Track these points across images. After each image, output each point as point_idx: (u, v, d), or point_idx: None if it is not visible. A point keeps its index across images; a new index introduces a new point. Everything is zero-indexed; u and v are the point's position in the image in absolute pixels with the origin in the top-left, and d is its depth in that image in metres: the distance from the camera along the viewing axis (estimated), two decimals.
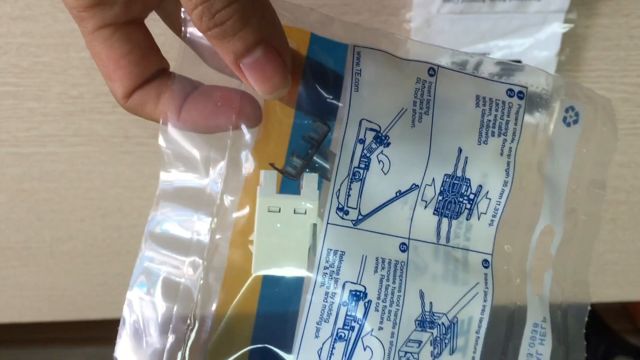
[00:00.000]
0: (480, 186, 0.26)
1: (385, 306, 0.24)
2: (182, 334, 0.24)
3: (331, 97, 0.25)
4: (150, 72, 0.25)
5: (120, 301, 0.58)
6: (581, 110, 0.27)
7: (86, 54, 0.46)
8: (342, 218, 0.24)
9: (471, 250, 0.26)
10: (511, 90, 0.28)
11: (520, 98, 0.28)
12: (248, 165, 0.25)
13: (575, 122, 0.28)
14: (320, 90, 0.25)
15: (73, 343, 1.59)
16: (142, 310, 0.25)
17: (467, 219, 0.26)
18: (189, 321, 0.24)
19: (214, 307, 0.24)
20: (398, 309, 0.24)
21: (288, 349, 0.24)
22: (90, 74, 0.47)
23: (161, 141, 0.25)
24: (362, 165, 0.25)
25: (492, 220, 0.26)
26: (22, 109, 0.48)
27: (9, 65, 0.46)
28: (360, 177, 0.25)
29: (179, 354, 0.24)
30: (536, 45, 0.47)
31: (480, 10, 0.45)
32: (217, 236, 0.25)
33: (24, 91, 0.47)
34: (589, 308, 0.27)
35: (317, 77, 0.25)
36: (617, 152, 0.52)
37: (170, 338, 0.24)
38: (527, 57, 0.47)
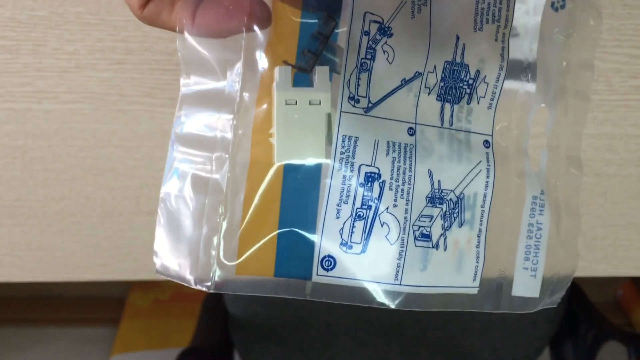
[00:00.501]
0: (478, 71, 0.28)
1: (398, 185, 0.26)
2: (215, 223, 0.26)
3: None
4: None
5: (111, 263, 0.58)
6: None
7: (82, 8, 0.47)
8: (354, 106, 0.26)
9: (473, 132, 0.28)
10: None
11: None
12: (262, 63, 0.26)
13: (563, 7, 0.30)
14: None
15: (68, 323, 1.59)
16: (175, 206, 0.26)
17: (467, 103, 0.28)
18: (220, 210, 0.26)
19: (242, 197, 0.26)
20: (410, 188, 0.26)
21: (312, 230, 0.26)
22: (86, 30, 0.47)
23: (179, 47, 0.26)
24: (369, 56, 0.26)
25: (490, 104, 0.28)
26: (18, 64, 0.48)
27: (4, 19, 0.47)
28: (368, 67, 0.26)
29: (214, 241, 0.26)
30: (529, 10, 0.47)
31: None
32: (240, 131, 0.26)
33: (19, 45, 0.48)
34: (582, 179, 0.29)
35: None
36: (608, 124, 0.52)
37: (205, 228, 0.26)
38: (519, 23, 0.47)
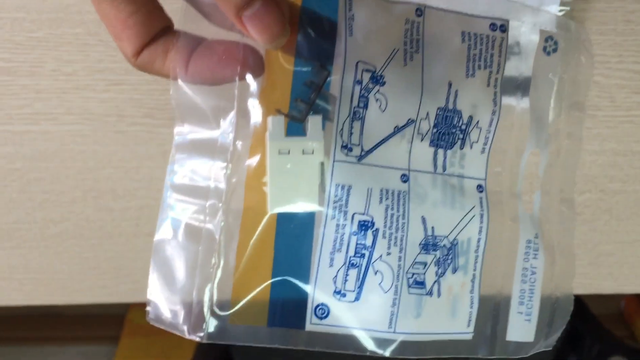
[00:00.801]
0: (471, 117, 0.28)
1: (392, 233, 0.26)
2: (208, 272, 0.26)
3: (328, 43, 0.26)
4: (156, 30, 0.26)
5: (111, 286, 0.57)
6: (559, 40, 0.30)
7: (80, 29, 0.46)
8: (347, 155, 0.26)
9: (466, 177, 0.28)
10: (493, 24, 0.30)
11: (503, 31, 0.31)
12: (256, 112, 0.26)
13: (555, 50, 0.31)
14: (317, 37, 0.26)
15: (67, 341, 1.58)
16: (169, 254, 0.27)
17: (460, 148, 0.28)
18: (213, 260, 0.26)
19: (235, 246, 0.26)
20: (403, 235, 0.26)
21: (306, 279, 0.26)
22: (85, 51, 0.47)
23: (172, 95, 0.26)
24: (362, 105, 0.27)
25: (483, 148, 0.29)
26: (15, 86, 0.48)
27: (2, 41, 0.46)
28: (361, 115, 0.27)
29: (207, 291, 0.26)
30: (532, 28, 0.46)
31: None
32: (233, 180, 0.26)
33: (17, 67, 0.47)
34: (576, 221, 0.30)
35: (313, 24, 0.26)
36: (613, 140, 0.52)
37: (198, 277, 0.26)
38: (523, 40, 0.47)
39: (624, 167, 0.54)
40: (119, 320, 1.56)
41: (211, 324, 0.26)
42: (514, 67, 0.30)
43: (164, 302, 0.27)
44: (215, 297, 0.26)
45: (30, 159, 0.51)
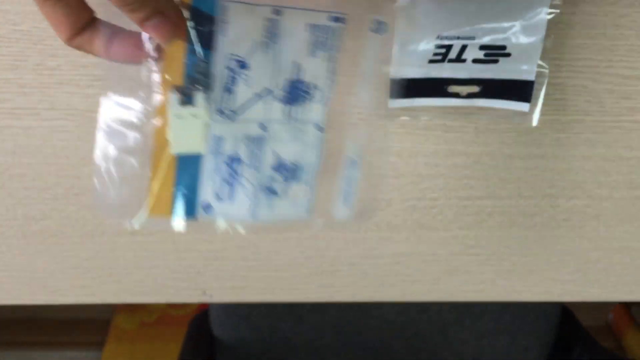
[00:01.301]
0: (314, 84, 0.40)
1: (252, 162, 0.41)
2: (137, 184, 0.40)
3: (208, 40, 0.38)
4: (84, 22, 0.34)
5: (92, 285, 0.56)
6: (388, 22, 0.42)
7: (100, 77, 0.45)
8: (221, 116, 0.40)
9: (309, 122, 0.41)
10: (331, 16, 0.40)
11: (338, 22, 0.40)
12: (159, 87, 0.38)
13: (384, 30, 0.42)
14: (200, 36, 0.38)
15: (51, 346, 1.56)
16: (106, 170, 0.40)
17: (306, 104, 0.41)
18: (136, 178, 0.40)
19: (149, 170, 0.40)
20: (260, 163, 0.41)
21: (196, 189, 0.41)
22: None
23: (101, 69, 0.41)
24: (231, 82, 0.39)
25: (323, 102, 0.41)
26: None
27: None
28: (231, 90, 0.39)
29: (133, 196, 0.40)
30: (521, 30, 0.46)
31: None
32: (147, 129, 0.39)
33: (0, 60, 0.46)
34: None
35: (198, 26, 0.38)
36: (601, 146, 0.52)
37: (129, 187, 0.40)
38: (512, 42, 0.46)
39: (612, 173, 0.53)
40: (104, 326, 1.55)
41: (140, 216, 0.40)
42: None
43: (106, 199, 0.40)
44: (139, 201, 0.40)
45: (11, 155, 0.50)
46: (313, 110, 0.41)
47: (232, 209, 0.41)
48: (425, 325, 0.94)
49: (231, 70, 0.39)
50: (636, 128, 0.51)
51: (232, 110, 0.40)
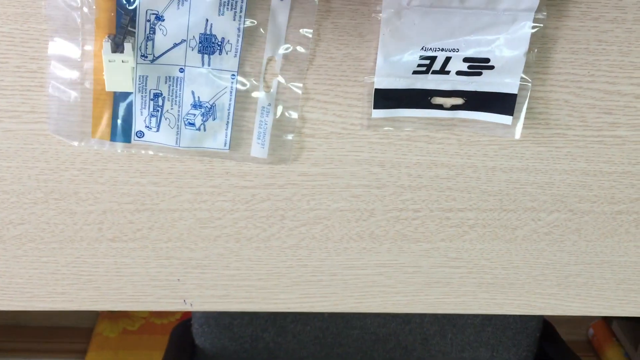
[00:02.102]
0: (223, 38, 0.47)
1: (173, 98, 0.48)
2: (82, 116, 0.49)
3: None
4: None
5: (71, 292, 0.56)
6: None
7: (46, 25, 0.45)
8: (144, 60, 0.47)
9: (223, 70, 0.48)
10: None
11: None
12: (95, 35, 0.46)
13: None
14: None
15: (33, 353, 1.54)
16: (58, 99, 0.47)
17: (219, 54, 0.47)
18: (82, 109, 0.48)
19: (91, 104, 0.48)
20: (180, 100, 0.48)
21: (130, 121, 0.48)
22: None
23: (47, 14, 0.45)
24: (151, 32, 0.46)
25: (235, 54, 0.47)
26: None
27: None
28: (152, 38, 0.46)
29: (83, 124, 0.49)
30: (505, 43, 0.46)
31: (451, 5, 0.45)
32: (86, 68, 0.47)
33: None
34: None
35: None
36: (582, 160, 0.52)
37: (77, 116, 0.48)
38: (496, 56, 0.47)
39: (594, 187, 0.54)
40: (86, 333, 1.53)
41: (91, 139, 0.49)
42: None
43: (57, 123, 0.48)
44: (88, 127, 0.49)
45: None
46: (225, 60, 0.47)
47: (159, 137, 0.49)
48: (407, 336, 0.93)
49: (150, 22, 0.46)
50: (617, 143, 0.51)
51: (153, 55, 0.46)
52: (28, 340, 1.56)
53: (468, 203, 0.54)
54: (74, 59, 0.46)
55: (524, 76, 0.48)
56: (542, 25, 0.46)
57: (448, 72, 0.48)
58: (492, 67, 0.47)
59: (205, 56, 0.47)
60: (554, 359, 0.91)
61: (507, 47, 0.47)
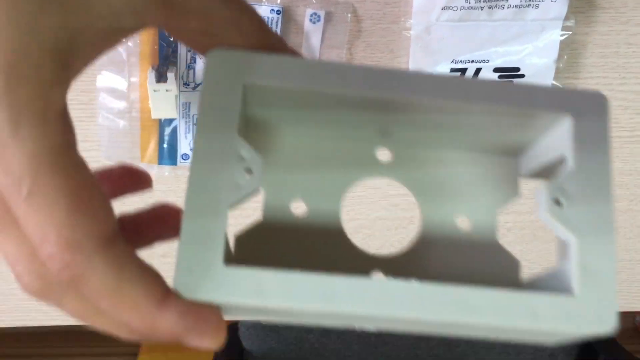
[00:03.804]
0: None
1: None
2: (132, 142, 0.51)
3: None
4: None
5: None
6: (321, 15, 0.47)
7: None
8: (187, 88, 0.49)
9: None
10: (272, 9, 0.48)
11: (278, 13, 0.48)
12: (139, 67, 0.49)
13: (318, 21, 0.48)
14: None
15: (85, 358, 1.60)
16: (109, 130, 0.50)
17: None
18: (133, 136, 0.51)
19: (138, 131, 0.50)
20: None
21: (176, 143, 0.51)
22: None
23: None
24: (192, 62, 0.49)
25: None
26: None
27: None
28: (192, 67, 0.49)
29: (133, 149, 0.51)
30: (534, 52, 0.47)
31: (479, 18, 0.46)
32: (132, 103, 0.50)
33: None
34: None
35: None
36: (618, 160, 0.52)
37: (128, 142, 0.51)
38: (526, 64, 0.48)
39: (630, 186, 0.54)
40: None
41: (140, 163, 0.51)
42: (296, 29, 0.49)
43: (107, 151, 0.50)
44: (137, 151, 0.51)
45: None
46: None
47: None
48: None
49: (190, 52, 0.48)
50: None
51: (194, 83, 0.49)
52: (82, 345, 1.62)
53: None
54: (121, 90, 0.49)
55: (554, 83, 0.48)
56: (570, 32, 0.46)
57: None
58: (522, 76, 0.48)
59: None
60: (600, 351, 0.91)
61: (536, 56, 0.47)
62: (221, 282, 0.20)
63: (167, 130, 0.51)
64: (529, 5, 0.45)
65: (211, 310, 0.21)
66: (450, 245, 0.26)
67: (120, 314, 0.20)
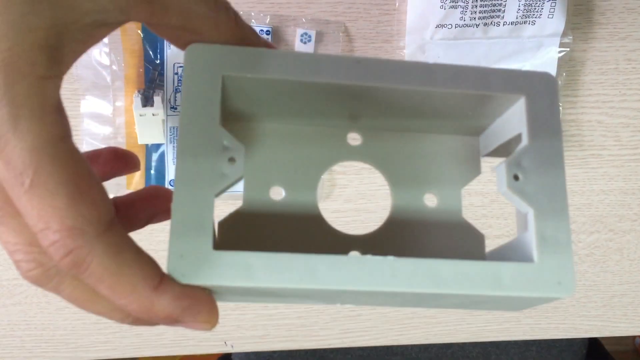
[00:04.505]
0: None
1: None
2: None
3: (158, 54, 0.47)
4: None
5: (114, 340, 0.56)
6: (312, 35, 0.44)
7: (78, 85, 0.46)
8: (174, 112, 0.48)
9: None
10: (261, 30, 0.47)
11: (268, 34, 0.47)
12: (124, 92, 0.47)
13: (309, 40, 0.46)
14: (153, 52, 0.47)
15: None
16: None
17: None
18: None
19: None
20: None
21: (164, 169, 0.49)
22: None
23: (77, 73, 0.46)
24: (179, 85, 0.46)
25: None
26: None
27: None
28: (180, 90, 0.46)
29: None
30: (532, 69, 0.46)
31: (474, 36, 0.45)
32: (118, 128, 0.48)
33: None
34: None
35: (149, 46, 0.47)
36: (620, 179, 0.51)
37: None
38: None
39: (634, 205, 0.53)
40: None
41: (126, 190, 0.49)
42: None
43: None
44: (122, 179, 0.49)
45: None
46: None
47: None
48: None
49: (177, 74, 0.47)
50: None
51: None
52: None
53: (505, 229, 0.53)
54: (105, 115, 0.47)
55: None
56: (568, 49, 0.45)
57: None
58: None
59: None
60: None
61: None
62: (212, 267, 0.21)
63: (155, 156, 0.49)
64: (525, 22, 0.44)
65: (204, 293, 0.22)
66: (420, 222, 0.27)
67: (118, 298, 0.20)
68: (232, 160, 0.23)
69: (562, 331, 0.59)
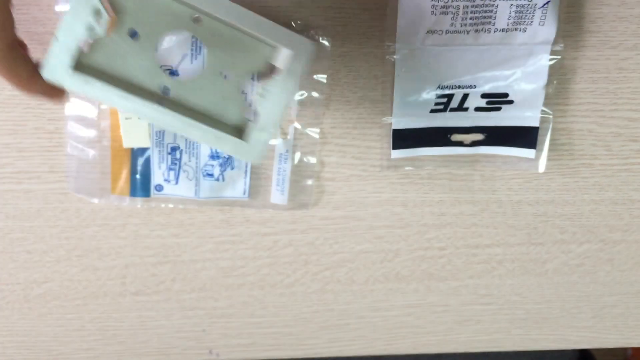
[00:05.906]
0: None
1: (190, 150, 0.48)
2: (101, 174, 0.48)
3: None
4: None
5: (97, 347, 0.55)
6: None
7: None
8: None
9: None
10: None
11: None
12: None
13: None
14: None
15: None
16: (78, 164, 0.48)
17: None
18: (100, 168, 0.48)
19: (109, 160, 0.48)
20: (198, 152, 0.48)
21: (149, 174, 0.48)
22: (67, 108, 0.46)
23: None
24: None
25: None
26: None
27: None
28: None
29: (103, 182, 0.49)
30: (523, 77, 0.46)
31: (465, 42, 0.44)
32: (103, 131, 0.47)
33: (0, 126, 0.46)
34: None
35: None
36: (611, 189, 0.51)
37: (95, 174, 0.48)
38: (514, 90, 0.46)
39: (624, 216, 0.52)
40: None
41: (110, 195, 0.49)
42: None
43: (77, 182, 0.48)
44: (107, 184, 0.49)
45: (12, 218, 0.50)
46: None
47: (178, 189, 0.49)
48: None
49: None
50: None
51: None
52: None
53: (495, 238, 0.53)
54: (90, 118, 0.46)
55: (544, 109, 0.47)
56: (559, 56, 0.45)
57: (466, 109, 0.47)
58: (511, 102, 0.46)
59: None
60: None
61: (525, 81, 0.46)
62: (67, 76, 0.35)
63: (140, 160, 0.48)
64: (516, 29, 0.44)
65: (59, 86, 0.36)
66: (210, 85, 0.38)
67: (12, 81, 0.34)
68: (99, 13, 0.35)
69: (553, 342, 0.58)
